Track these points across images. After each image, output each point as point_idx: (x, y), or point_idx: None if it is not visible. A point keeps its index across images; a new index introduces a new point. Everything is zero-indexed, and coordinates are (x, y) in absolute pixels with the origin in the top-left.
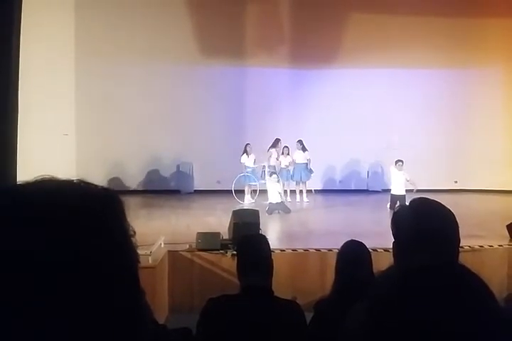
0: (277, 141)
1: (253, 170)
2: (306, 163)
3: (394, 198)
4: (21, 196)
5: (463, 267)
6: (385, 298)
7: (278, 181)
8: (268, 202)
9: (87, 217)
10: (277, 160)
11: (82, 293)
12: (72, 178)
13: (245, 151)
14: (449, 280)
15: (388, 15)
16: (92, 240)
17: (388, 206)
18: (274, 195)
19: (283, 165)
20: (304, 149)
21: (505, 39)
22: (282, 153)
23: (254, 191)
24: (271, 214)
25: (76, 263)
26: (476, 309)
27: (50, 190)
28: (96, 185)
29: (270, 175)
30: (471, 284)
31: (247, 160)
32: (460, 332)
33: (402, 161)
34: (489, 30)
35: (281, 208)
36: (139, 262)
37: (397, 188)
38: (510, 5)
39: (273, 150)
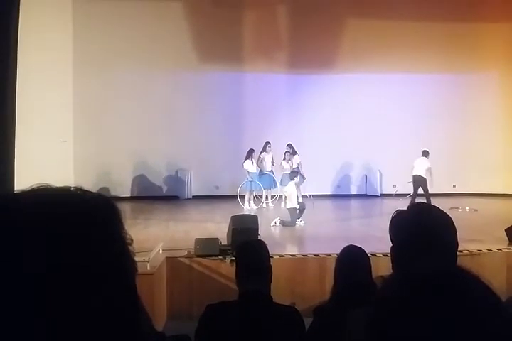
0: (266, 144)
1: (256, 176)
2: (297, 167)
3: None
4: (17, 205)
5: (465, 272)
6: (388, 306)
7: (297, 185)
8: (288, 208)
9: (84, 225)
10: (273, 164)
11: (78, 301)
12: (69, 186)
13: (249, 157)
14: (452, 287)
15: (386, 20)
16: (89, 248)
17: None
18: (293, 200)
19: (285, 171)
20: (294, 153)
21: (502, 44)
22: (284, 159)
23: (257, 197)
24: (294, 224)
25: (73, 271)
26: (481, 315)
27: (46, 199)
28: (93, 193)
29: (292, 178)
30: (474, 290)
31: (251, 166)
32: (465, 339)
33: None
34: (487, 35)
35: (295, 217)
36: (137, 270)
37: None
38: (507, 10)
39: (263, 154)
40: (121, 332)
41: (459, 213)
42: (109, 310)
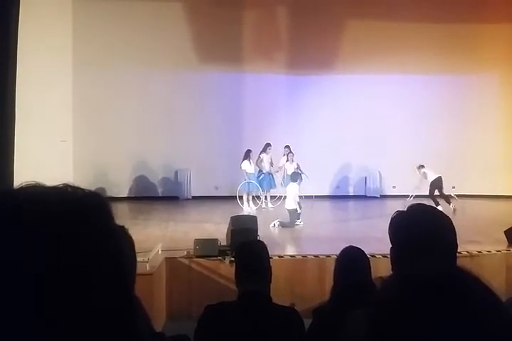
0: (266, 145)
1: (254, 177)
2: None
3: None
4: (4, 203)
5: (465, 273)
6: (388, 307)
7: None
8: (288, 209)
9: (80, 224)
10: (271, 165)
11: (78, 301)
12: (58, 184)
13: (247, 157)
14: (452, 289)
15: (386, 21)
16: (86, 247)
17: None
18: (293, 201)
19: (289, 172)
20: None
21: (503, 45)
22: (287, 160)
23: (254, 198)
24: (293, 225)
25: (72, 270)
26: (481, 316)
27: (33, 197)
28: (83, 189)
29: (295, 180)
30: (474, 291)
31: (249, 167)
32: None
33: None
34: (487, 36)
35: (295, 218)
36: (132, 266)
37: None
38: (507, 11)
39: (263, 155)
40: (120, 331)
41: (458, 213)
42: (108, 310)
